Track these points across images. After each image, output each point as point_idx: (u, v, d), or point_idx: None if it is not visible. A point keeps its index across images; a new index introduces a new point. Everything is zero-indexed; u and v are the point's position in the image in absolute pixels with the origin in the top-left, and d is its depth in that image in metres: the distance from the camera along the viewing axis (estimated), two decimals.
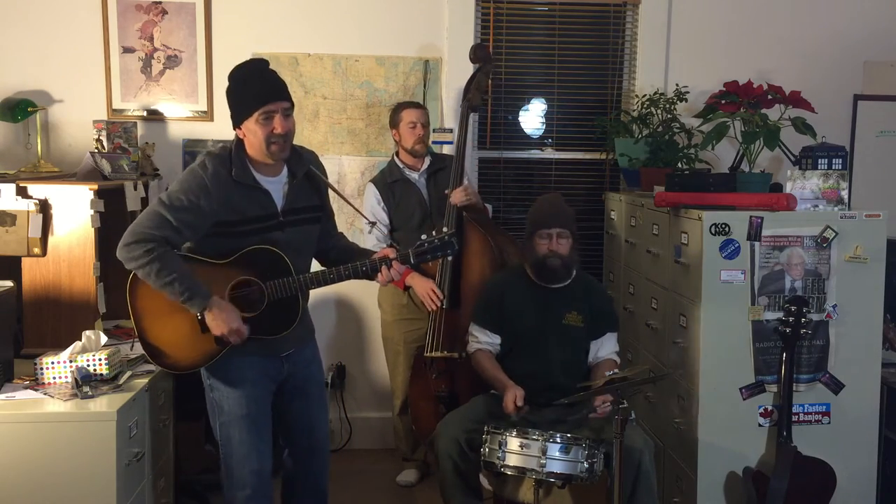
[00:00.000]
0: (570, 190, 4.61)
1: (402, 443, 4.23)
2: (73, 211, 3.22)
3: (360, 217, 3.91)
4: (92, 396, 2.74)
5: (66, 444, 2.61)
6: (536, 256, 3.35)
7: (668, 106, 4.32)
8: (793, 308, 3.15)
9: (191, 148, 4.35)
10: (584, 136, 4.69)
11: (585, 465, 2.91)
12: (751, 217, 3.19)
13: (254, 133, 2.66)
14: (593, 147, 4.68)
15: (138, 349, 3.11)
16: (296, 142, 2.81)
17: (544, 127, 4.74)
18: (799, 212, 3.22)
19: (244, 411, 2.78)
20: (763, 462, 3.25)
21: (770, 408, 3.25)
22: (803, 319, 3.15)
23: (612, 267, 4.47)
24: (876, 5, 4.64)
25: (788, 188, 3.24)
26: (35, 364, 2.89)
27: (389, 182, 4.01)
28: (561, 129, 4.72)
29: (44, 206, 3.21)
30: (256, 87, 2.67)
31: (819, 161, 3.29)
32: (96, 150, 3.77)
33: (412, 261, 2.78)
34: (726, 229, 3.19)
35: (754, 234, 3.19)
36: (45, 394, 2.78)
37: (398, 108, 4.08)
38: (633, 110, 4.49)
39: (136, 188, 3.63)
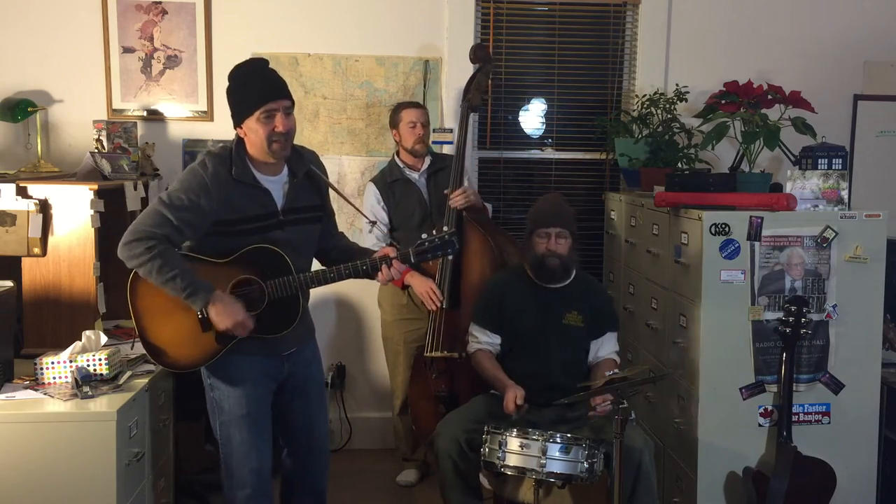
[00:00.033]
0: (570, 190, 4.61)
1: (402, 443, 4.23)
2: (73, 211, 3.22)
3: (361, 217, 3.91)
4: (92, 396, 2.74)
5: (66, 444, 2.61)
6: (535, 255, 3.35)
7: (668, 106, 4.32)
8: (793, 308, 3.15)
9: (191, 148, 4.35)
10: (584, 136, 4.69)
11: (585, 465, 2.91)
12: (751, 217, 3.19)
13: (255, 132, 2.67)
14: (593, 147, 4.68)
15: (138, 349, 3.11)
16: (296, 142, 2.81)
17: (544, 127, 4.74)
18: (799, 212, 3.22)
19: (244, 411, 2.78)
20: (763, 462, 3.25)
21: (770, 408, 3.25)
22: (803, 319, 3.15)
23: (612, 267, 4.47)
24: (876, 5, 4.64)
25: (788, 188, 3.24)
26: (35, 364, 2.89)
27: (389, 182, 4.01)
28: (561, 129, 4.72)
29: (44, 206, 3.21)
30: (257, 85, 2.67)
31: (819, 161, 3.29)
32: (96, 150, 3.77)
33: (412, 260, 2.78)
34: (726, 229, 3.19)
35: (754, 234, 3.19)
36: (45, 394, 2.78)
37: (398, 108, 4.08)
38: (633, 110, 4.49)
39: (136, 188, 3.63)
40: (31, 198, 3.20)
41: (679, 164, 4.11)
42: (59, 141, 4.29)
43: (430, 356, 3.82)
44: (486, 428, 3.03)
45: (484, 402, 3.34)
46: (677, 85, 4.37)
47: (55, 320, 3.23)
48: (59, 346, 3.03)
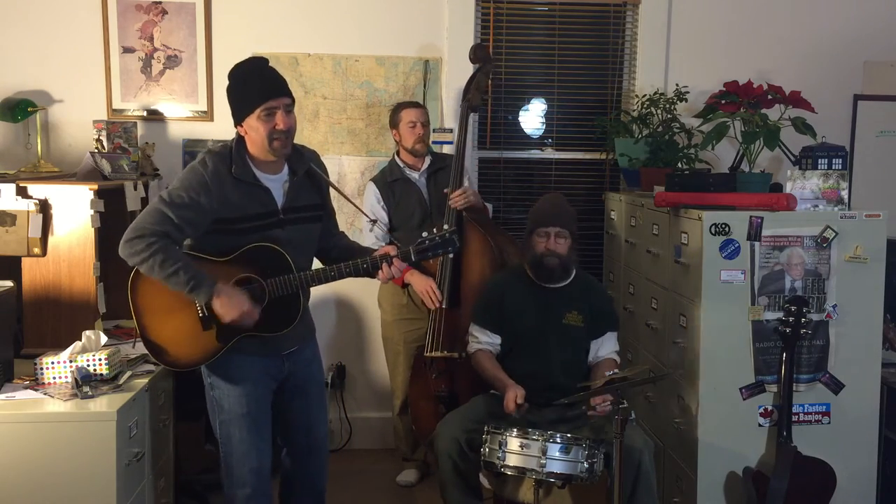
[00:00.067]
0: (570, 190, 4.61)
1: (402, 443, 4.23)
2: (73, 211, 3.22)
3: (360, 217, 3.91)
4: (92, 396, 2.74)
5: (66, 444, 2.61)
6: (534, 255, 3.35)
7: (668, 106, 4.32)
8: (793, 308, 3.15)
9: (191, 148, 4.35)
10: (584, 136, 4.69)
11: (585, 465, 2.91)
12: (751, 217, 3.19)
13: (255, 130, 2.67)
14: (593, 147, 4.68)
15: (139, 349, 3.11)
16: (296, 142, 2.81)
17: (544, 127, 4.74)
18: (799, 212, 3.22)
19: (244, 410, 2.79)
20: (763, 462, 3.25)
21: (770, 408, 3.25)
22: (803, 319, 3.15)
23: (612, 267, 4.47)
24: (876, 5, 4.64)
25: (788, 188, 3.24)
26: (35, 364, 2.89)
27: (390, 181, 4.01)
28: (561, 129, 4.72)
29: (44, 206, 3.21)
30: (257, 84, 2.68)
31: (819, 161, 3.29)
32: (96, 150, 3.77)
33: (413, 258, 2.78)
34: (726, 229, 3.19)
35: (754, 234, 3.19)
36: (45, 394, 2.78)
37: (398, 108, 4.08)
38: (633, 110, 4.49)
39: (136, 188, 3.63)
40: (31, 198, 3.20)
41: (679, 164, 4.11)
42: (59, 141, 4.29)
43: (430, 356, 3.82)
44: (486, 428, 3.03)
45: (484, 402, 3.34)
46: (677, 85, 4.37)
47: (55, 320, 3.23)
48: (59, 346, 3.03)
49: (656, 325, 3.68)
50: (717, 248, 3.19)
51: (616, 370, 3.07)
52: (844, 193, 3.24)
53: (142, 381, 2.92)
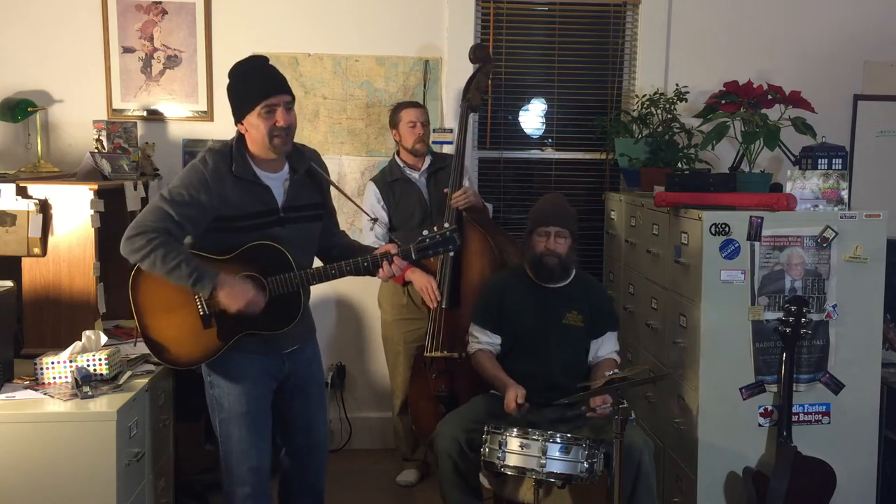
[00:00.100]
0: (570, 190, 4.61)
1: (402, 443, 4.23)
2: (73, 211, 3.22)
3: (360, 216, 3.91)
4: (92, 396, 2.74)
5: (66, 444, 2.61)
6: (534, 254, 3.35)
7: (668, 106, 4.32)
8: (793, 308, 3.15)
9: (191, 148, 4.35)
10: (584, 136, 4.69)
11: (585, 465, 2.91)
12: (751, 217, 3.19)
13: (256, 127, 2.67)
14: (593, 147, 4.68)
15: (139, 349, 3.12)
16: (296, 142, 2.82)
17: (544, 127, 4.74)
18: (799, 212, 3.22)
19: (244, 409, 2.79)
20: (763, 462, 3.25)
21: (770, 408, 3.25)
22: (803, 319, 3.15)
23: (612, 267, 4.47)
24: (876, 5, 4.64)
25: (788, 188, 3.24)
26: (35, 364, 2.89)
27: (390, 181, 4.01)
28: (561, 129, 4.72)
29: (44, 206, 3.21)
30: (258, 81, 2.68)
31: (819, 161, 3.29)
32: (96, 150, 3.77)
33: (413, 256, 2.78)
34: (726, 229, 3.19)
35: (754, 234, 3.19)
36: (45, 394, 2.78)
37: (397, 108, 4.08)
38: (633, 110, 4.49)
39: (136, 188, 3.63)
40: (31, 198, 3.20)
41: (679, 164, 4.11)
42: (59, 141, 4.29)
43: (430, 356, 3.82)
44: (486, 428, 3.03)
45: (484, 402, 3.34)
46: (677, 85, 4.37)
47: (55, 320, 3.23)
48: (59, 346, 3.03)
49: (656, 325, 3.68)
50: (717, 248, 3.19)
51: (616, 370, 3.07)
52: (844, 193, 3.24)
53: (142, 381, 2.92)
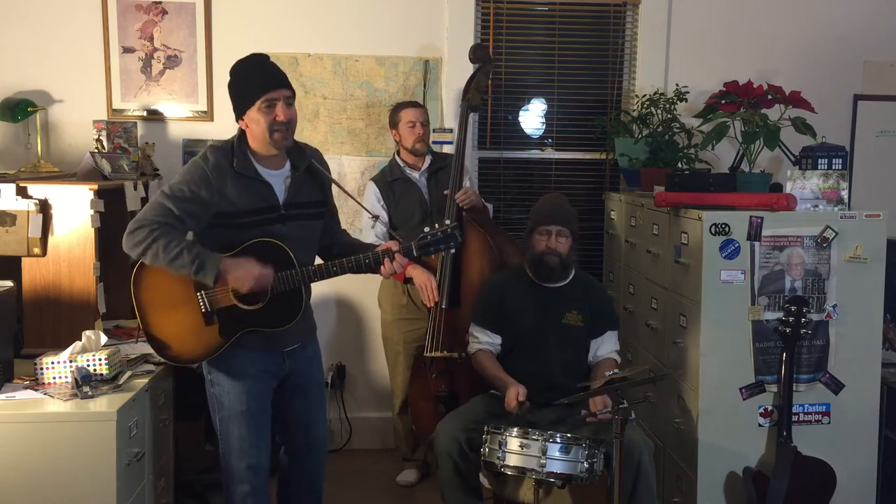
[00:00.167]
0: (570, 190, 4.61)
1: (402, 443, 4.23)
2: (73, 211, 3.22)
3: (361, 216, 3.90)
4: (92, 396, 2.74)
5: (66, 444, 2.61)
6: (534, 253, 3.35)
7: (668, 106, 4.32)
8: (793, 308, 3.15)
9: (191, 148, 4.35)
10: (584, 136, 4.69)
11: (585, 465, 2.91)
12: (751, 217, 3.19)
13: (256, 122, 2.68)
14: (593, 147, 4.68)
15: (138, 349, 3.12)
16: (297, 140, 2.82)
17: (544, 127, 4.74)
18: (799, 212, 3.22)
19: (244, 407, 2.79)
20: (763, 462, 3.25)
21: (770, 408, 3.25)
22: (803, 319, 3.15)
23: (612, 267, 4.47)
24: (876, 5, 4.64)
25: (788, 188, 3.24)
26: (35, 364, 2.89)
27: (390, 181, 4.01)
28: (561, 129, 4.72)
29: (44, 206, 3.21)
30: (258, 77, 2.70)
31: (819, 161, 3.29)
32: (96, 150, 3.77)
33: (415, 253, 2.78)
34: (726, 229, 3.19)
35: (754, 234, 3.19)
36: (45, 394, 2.78)
37: (397, 108, 4.08)
38: (633, 110, 4.49)
39: (136, 188, 3.63)
40: (31, 198, 3.20)
41: (679, 164, 4.11)
42: (59, 141, 4.29)
43: (430, 356, 3.82)
44: (485, 428, 3.03)
45: (484, 401, 3.34)
46: (677, 85, 4.37)
47: (55, 320, 3.23)
48: (59, 346, 3.03)
49: (656, 325, 3.68)
50: (717, 248, 3.19)
51: (616, 370, 3.07)
52: (844, 193, 3.24)
53: (142, 381, 2.92)
